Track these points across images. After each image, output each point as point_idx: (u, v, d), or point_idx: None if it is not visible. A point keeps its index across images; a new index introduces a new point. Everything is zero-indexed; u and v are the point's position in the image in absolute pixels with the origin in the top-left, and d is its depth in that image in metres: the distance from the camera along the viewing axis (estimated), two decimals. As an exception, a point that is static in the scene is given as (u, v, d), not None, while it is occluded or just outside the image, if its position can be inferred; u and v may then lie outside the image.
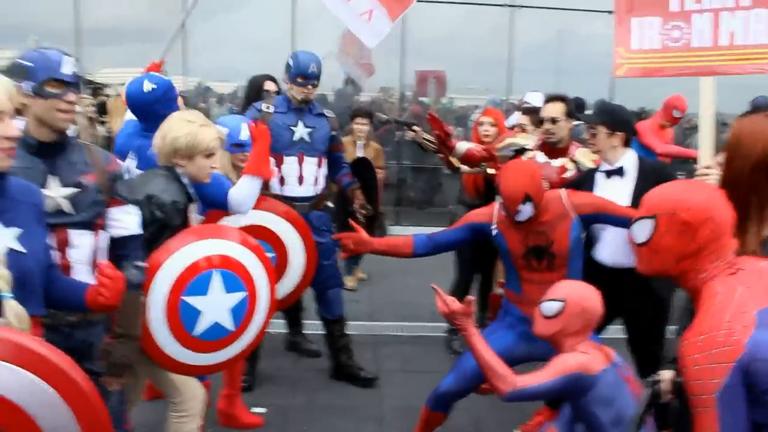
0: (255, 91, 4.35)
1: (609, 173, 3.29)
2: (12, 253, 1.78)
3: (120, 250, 2.30)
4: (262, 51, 8.63)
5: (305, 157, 3.94)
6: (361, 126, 6.14)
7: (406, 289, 6.14)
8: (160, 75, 3.34)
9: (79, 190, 2.16)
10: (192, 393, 2.77)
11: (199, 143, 2.63)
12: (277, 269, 3.29)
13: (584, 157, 3.72)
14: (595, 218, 3.08)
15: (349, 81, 9.69)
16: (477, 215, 3.21)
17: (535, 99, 6.34)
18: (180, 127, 2.64)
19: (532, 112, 4.53)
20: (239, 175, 3.20)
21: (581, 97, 7.31)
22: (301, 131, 3.93)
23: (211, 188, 2.93)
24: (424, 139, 4.57)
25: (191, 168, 2.67)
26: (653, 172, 3.22)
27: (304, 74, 3.84)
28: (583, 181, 3.37)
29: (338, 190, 4.42)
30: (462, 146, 4.09)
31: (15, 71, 2.10)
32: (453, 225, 3.31)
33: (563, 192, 3.09)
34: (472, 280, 4.81)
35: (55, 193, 2.12)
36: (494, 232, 3.10)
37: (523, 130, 4.58)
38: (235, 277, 2.64)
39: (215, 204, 3.06)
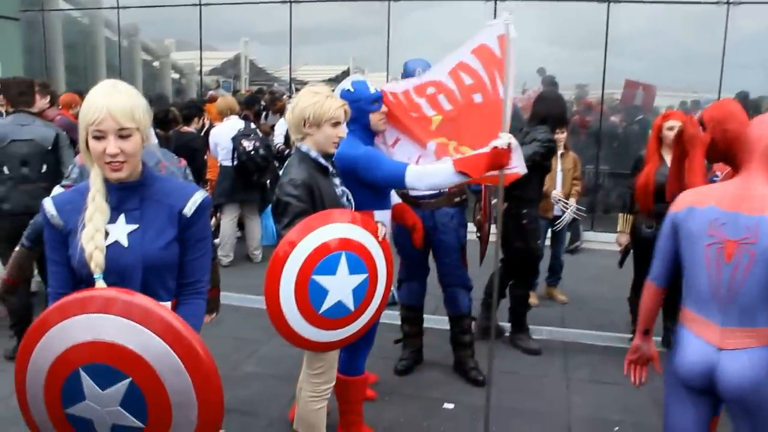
0: None
1: None
2: (115, 245, 1.89)
3: None
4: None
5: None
6: (558, 135, 5.54)
7: (600, 297, 6.00)
8: (361, 79, 3.47)
9: None
10: (330, 364, 2.97)
11: (325, 112, 2.81)
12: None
13: None
14: None
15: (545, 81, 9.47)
16: None
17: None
18: (307, 98, 2.84)
19: None
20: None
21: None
22: None
23: (387, 166, 3.12)
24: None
25: (319, 136, 2.84)
26: None
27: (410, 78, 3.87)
28: None
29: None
30: None
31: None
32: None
33: None
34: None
35: None
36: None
37: None
38: (359, 259, 2.76)
39: (391, 178, 3.15)
